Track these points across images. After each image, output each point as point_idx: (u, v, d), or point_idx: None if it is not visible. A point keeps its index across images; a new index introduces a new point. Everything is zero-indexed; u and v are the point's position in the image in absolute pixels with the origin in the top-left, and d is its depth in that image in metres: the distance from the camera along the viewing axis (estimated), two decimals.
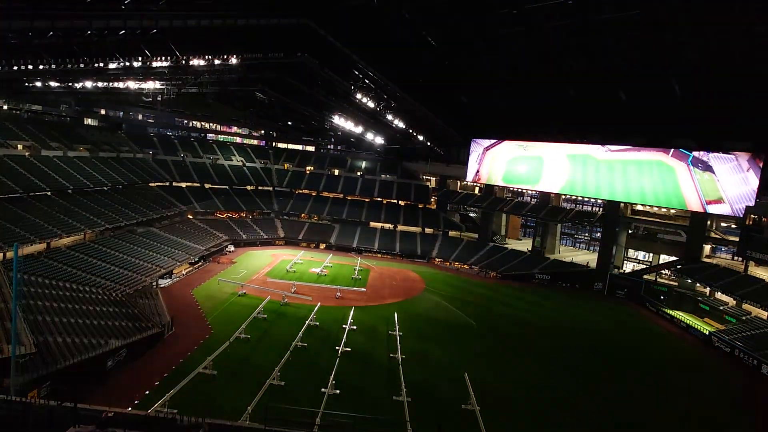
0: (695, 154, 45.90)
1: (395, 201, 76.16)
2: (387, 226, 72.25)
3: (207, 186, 70.44)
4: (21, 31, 31.86)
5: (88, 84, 52.39)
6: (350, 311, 38.50)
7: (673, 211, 54.22)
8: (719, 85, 41.63)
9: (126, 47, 40.97)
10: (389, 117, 63.92)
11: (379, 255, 65.30)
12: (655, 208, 55.46)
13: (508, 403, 26.43)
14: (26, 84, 51.74)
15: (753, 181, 40.08)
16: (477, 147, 67.15)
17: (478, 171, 66.06)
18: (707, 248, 52.54)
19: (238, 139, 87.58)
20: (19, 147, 49.74)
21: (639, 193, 51.90)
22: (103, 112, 71.72)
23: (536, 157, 61.33)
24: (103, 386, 24.24)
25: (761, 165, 41.62)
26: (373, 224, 72.03)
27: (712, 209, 42.72)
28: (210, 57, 45.08)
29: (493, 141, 66.71)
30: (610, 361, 34.04)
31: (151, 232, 52.02)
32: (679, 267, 49.17)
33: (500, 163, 64.25)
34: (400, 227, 71.68)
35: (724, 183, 41.92)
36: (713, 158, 44.74)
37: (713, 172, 42.93)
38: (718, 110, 44.76)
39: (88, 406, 15.76)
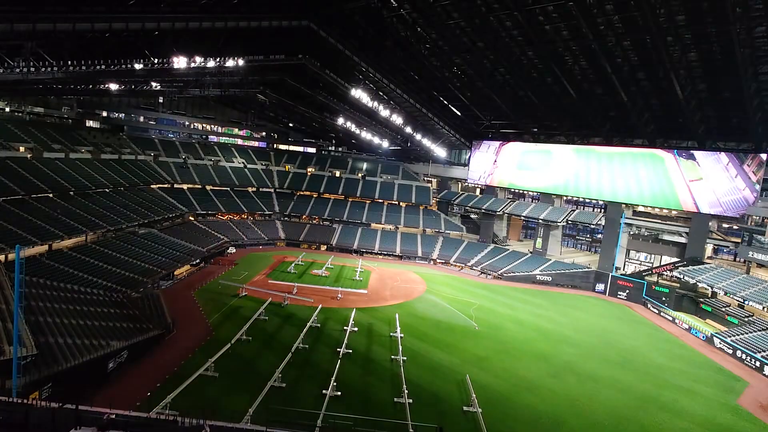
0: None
1: (396, 202, 76.19)
2: (388, 227, 72.25)
3: (208, 188, 70.52)
4: (23, 34, 31.98)
5: (89, 86, 52.60)
6: (351, 313, 38.46)
7: (674, 212, 54.21)
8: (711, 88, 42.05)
9: (127, 49, 41.12)
10: (390, 119, 63.97)
11: (380, 256, 65.29)
12: (656, 210, 55.50)
13: (510, 406, 26.34)
14: (28, 86, 51.92)
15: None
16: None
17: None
18: (709, 249, 52.48)
19: (240, 141, 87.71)
20: (21, 149, 49.91)
21: (637, 187, 54.69)
22: (104, 114, 71.92)
23: (546, 150, 64.23)
24: (104, 388, 24.22)
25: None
26: (374, 225, 72.04)
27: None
28: (211, 59, 45.17)
29: (500, 141, 68.65)
30: (612, 363, 33.89)
31: (152, 233, 52.08)
32: (680, 268, 49.07)
33: (515, 155, 67.46)
34: (401, 228, 71.69)
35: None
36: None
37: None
38: (712, 112, 46.43)
39: (90, 408, 15.78)
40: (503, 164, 68.33)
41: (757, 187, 45.47)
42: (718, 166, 48.02)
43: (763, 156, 44.94)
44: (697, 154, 49.66)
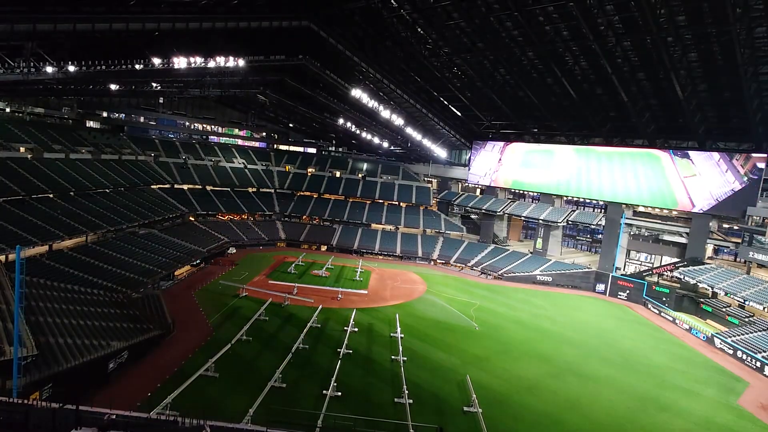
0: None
1: (396, 203, 76.19)
2: (388, 227, 72.26)
3: (209, 188, 70.49)
4: (23, 34, 32.04)
5: (89, 86, 52.62)
6: (352, 313, 38.49)
7: (674, 212, 54.23)
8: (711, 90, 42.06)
9: (128, 50, 41.18)
10: (390, 119, 64.01)
11: (380, 256, 65.28)
12: (657, 210, 55.51)
13: (510, 406, 26.34)
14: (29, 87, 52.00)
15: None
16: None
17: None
18: (709, 249, 52.45)
19: (240, 142, 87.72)
20: (22, 149, 49.90)
21: (635, 185, 55.52)
22: (105, 114, 71.93)
23: (548, 150, 64.73)
24: (104, 388, 24.23)
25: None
26: (374, 226, 72.02)
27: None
28: (211, 59, 45.22)
29: (504, 142, 69.01)
30: (612, 363, 33.89)
31: (152, 234, 52.09)
32: (681, 268, 49.06)
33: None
34: (401, 229, 71.69)
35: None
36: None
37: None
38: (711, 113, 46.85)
39: (90, 408, 15.80)
40: (508, 163, 68.65)
41: (745, 179, 46.68)
42: (710, 162, 49.36)
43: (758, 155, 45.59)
44: (691, 152, 50.84)
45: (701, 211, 49.87)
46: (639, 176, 54.95)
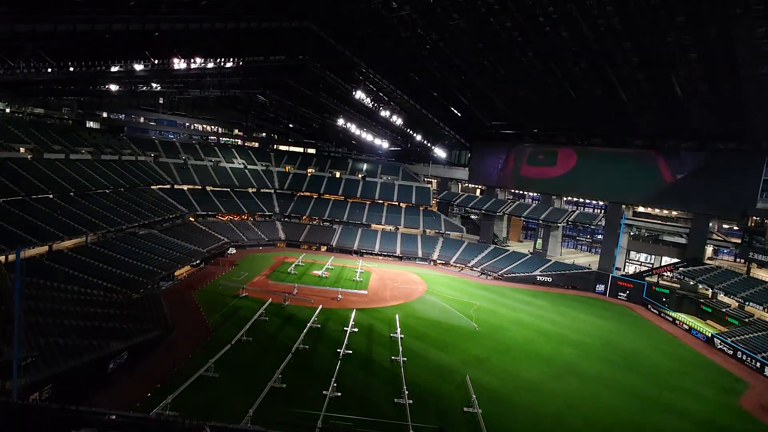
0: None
1: (396, 203, 76.20)
2: (388, 228, 72.25)
3: (208, 188, 70.50)
4: (23, 35, 32.01)
5: (89, 86, 52.68)
6: (352, 313, 38.45)
7: (674, 213, 54.27)
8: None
9: (128, 50, 41.15)
10: (390, 119, 64.04)
11: (380, 257, 65.27)
12: (656, 210, 55.57)
13: (510, 406, 26.33)
14: (29, 87, 52.00)
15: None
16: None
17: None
18: (709, 250, 52.46)
19: (240, 142, 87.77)
20: (22, 150, 49.93)
21: (633, 186, 56.42)
22: (104, 114, 71.98)
23: (552, 150, 65.15)
24: (104, 389, 24.24)
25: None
26: (374, 226, 72.03)
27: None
28: (211, 60, 45.21)
29: (507, 142, 69.20)
30: (612, 364, 33.88)
31: (152, 234, 52.09)
32: (681, 269, 49.07)
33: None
34: (401, 229, 71.69)
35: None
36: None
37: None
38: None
39: (90, 408, 15.77)
40: (514, 162, 68.76)
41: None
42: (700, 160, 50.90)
43: None
44: (684, 152, 52.11)
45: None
46: (636, 176, 55.43)
